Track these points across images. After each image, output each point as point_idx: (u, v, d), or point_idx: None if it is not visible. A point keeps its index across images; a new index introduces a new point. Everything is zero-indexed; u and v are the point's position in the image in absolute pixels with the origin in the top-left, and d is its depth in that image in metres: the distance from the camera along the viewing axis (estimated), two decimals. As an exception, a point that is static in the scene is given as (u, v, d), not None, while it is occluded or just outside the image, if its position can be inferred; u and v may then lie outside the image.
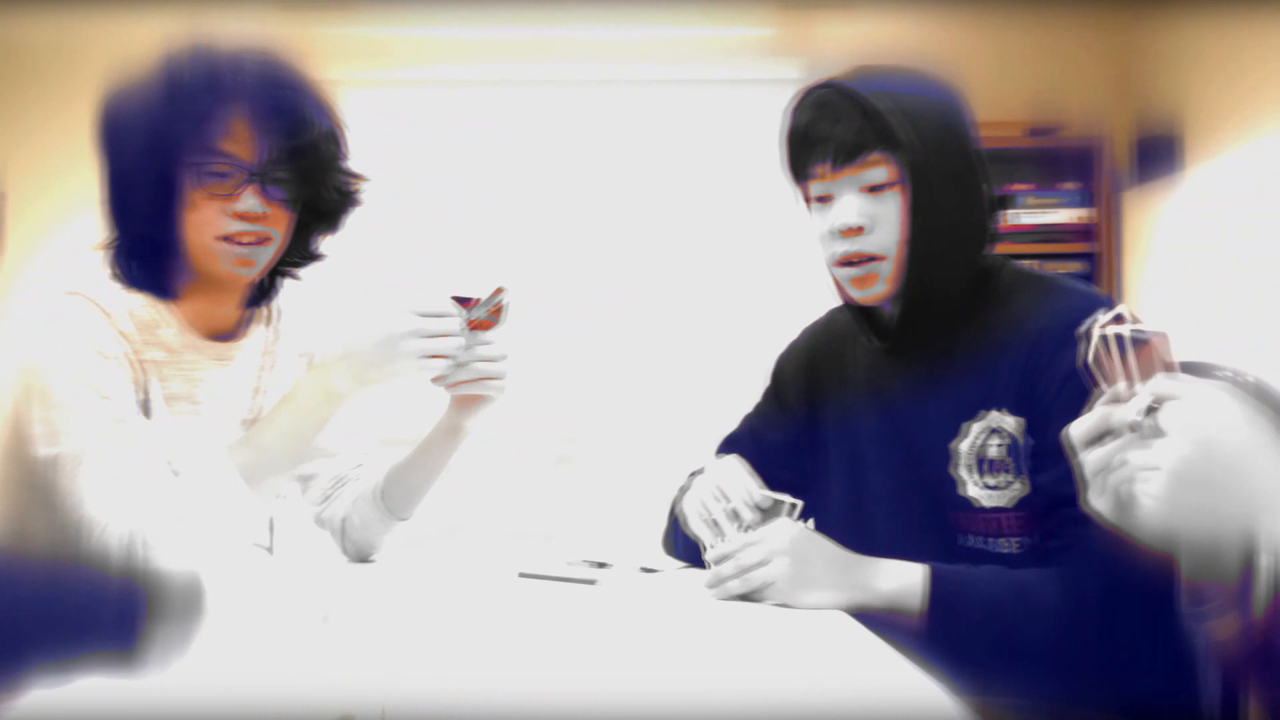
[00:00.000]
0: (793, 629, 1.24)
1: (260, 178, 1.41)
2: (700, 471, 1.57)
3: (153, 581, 1.31)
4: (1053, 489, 1.34)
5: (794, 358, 1.74)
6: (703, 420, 1.94)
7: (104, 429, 1.37)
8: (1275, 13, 3.06)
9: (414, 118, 4.05)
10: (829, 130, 1.43)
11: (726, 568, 1.40)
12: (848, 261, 1.46)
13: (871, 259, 1.45)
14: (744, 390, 1.81)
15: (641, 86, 4.09)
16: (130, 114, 1.40)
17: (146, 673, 1.01)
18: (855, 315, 1.56)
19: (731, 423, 1.77)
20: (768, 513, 1.45)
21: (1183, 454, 0.89)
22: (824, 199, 1.48)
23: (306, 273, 1.63)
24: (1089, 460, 0.98)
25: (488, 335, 1.57)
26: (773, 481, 1.48)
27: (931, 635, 1.30)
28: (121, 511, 1.34)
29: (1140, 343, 0.97)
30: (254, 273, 1.49)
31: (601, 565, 1.66)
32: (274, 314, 1.67)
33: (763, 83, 3.93)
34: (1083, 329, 1.01)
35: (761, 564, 1.37)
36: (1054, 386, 1.36)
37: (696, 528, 1.49)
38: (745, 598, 1.37)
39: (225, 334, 1.58)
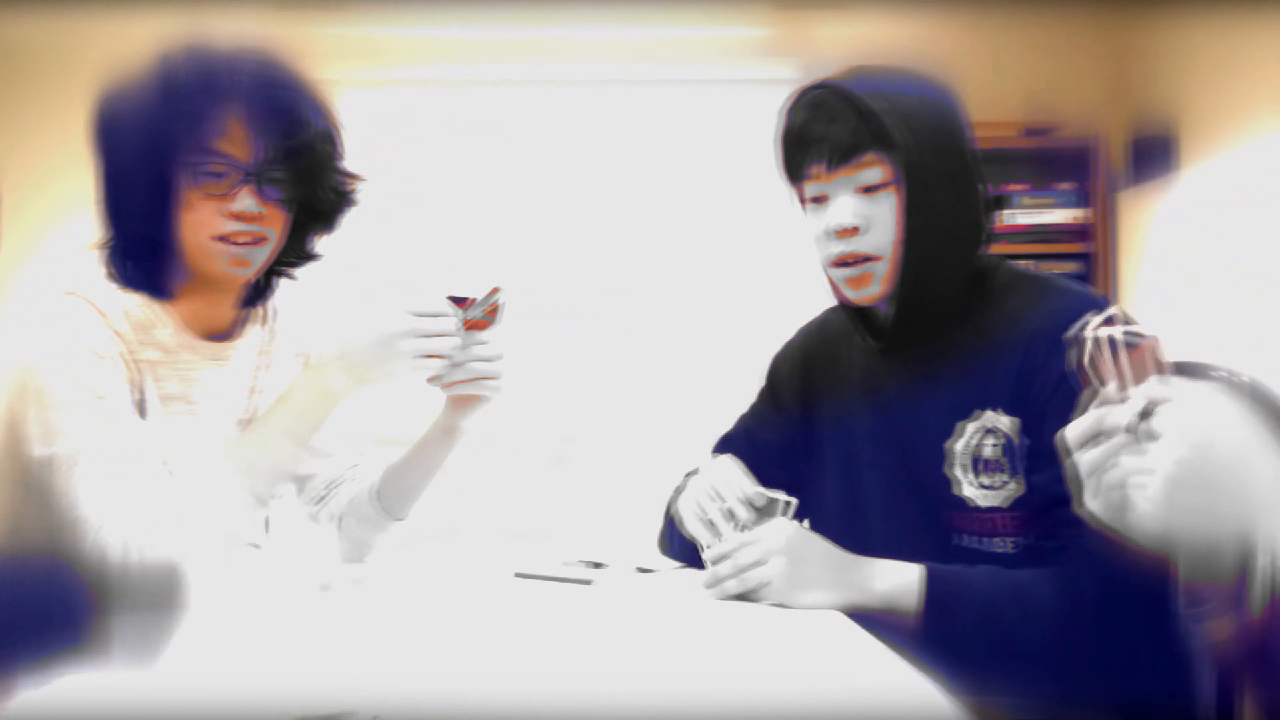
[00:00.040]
0: (789, 629, 1.24)
1: (256, 178, 1.41)
2: (695, 472, 1.57)
3: (120, 576, 1.31)
4: (1048, 489, 1.34)
5: (789, 358, 1.74)
6: (699, 420, 1.94)
7: (100, 429, 1.37)
8: (1270, 13, 3.06)
9: (410, 118, 4.05)
10: (824, 131, 1.44)
11: (724, 567, 1.40)
12: (843, 262, 1.46)
13: (867, 259, 1.45)
14: (740, 390, 1.81)
15: (637, 86, 4.09)
16: (126, 113, 1.40)
17: (115, 666, 1.01)
18: (850, 315, 1.57)
19: (727, 423, 1.77)
20: (763, 511, 1.46)
21: (1178, 458, 0.89)
22: (819, 199, 1.48)
23: (302, 273, 1.62)
24: (1082, 462, 0.98)
25: (483, 335, 1.56)
26: (768, 481, 1.48)
27: (927, 635, 1.30)
28: (117, 511, 1.33)
29: (1132, 345, 0.97)
30: (250, 273, 1.49)
31: (597, 565, 1.66)
32: (270, 314, 1.67)
33: (759, 83, 3.94)
34: (1072, 332, 1.02)
35: (758, 564, 1.37)
36: (1049, 386, 1.36)
37: (693, 528, 1.49)
38: (742, 597, 1.37)
39: (221, 334, 1.58)
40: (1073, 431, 0.99)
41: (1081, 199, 3.89)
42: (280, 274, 1.61)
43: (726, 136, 4.02)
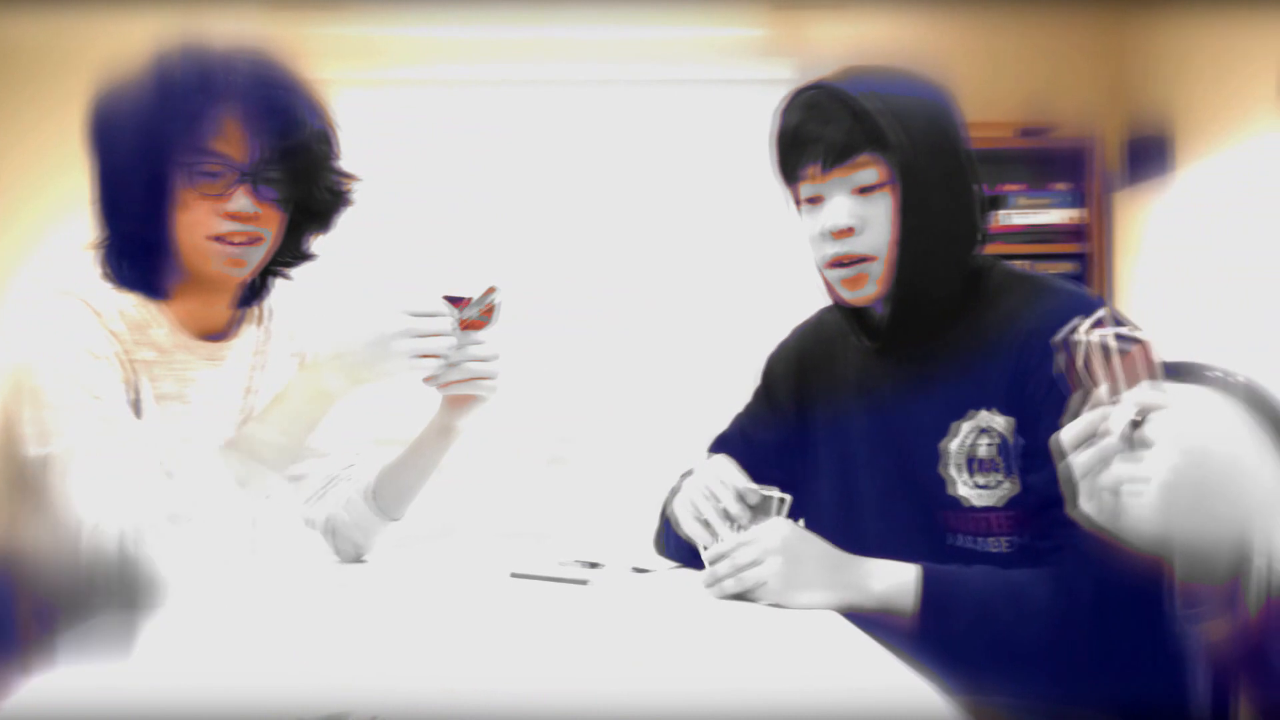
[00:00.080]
0: (785, 629, 1.24)
1: (252, 177, 1.41)
2: (690, 472, 1.57)
3: (109, 574, 1.32)
4: (1044, 489, 1.34)
5: (784, 357, 1.74)
6: (695, 420, 1.94)
7: (95, 429, 1.37)
8: (1265, 14, 3.07)
9: (406, 118, 4.05)
10: (819, 132, 1.43)
11: (721, 567, 1.40)
12: (838, 262, 1.46)
13: (862, 260, 1.45)
14: (735, 390, 1.81)
15: (633, 86, 4.09)
16: (121, 113, 1.40)
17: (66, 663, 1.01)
18: (845, 315, 1.57)
19: (722, 423, 1.78)
20: (757, 509, 1.46)
21: (1173, 466, 0.88)
22: (814, 200, 1.48)
23: (298, 272, 1.62)
24: (1075, 466, 0.98)
25: (479, 335, 1.56)
26: (763, 481, 1.48)
27: (923, 635, 1.30)
28: (112, 511, 1.33)
29: (1123, 349, 0.96)
30: (245, 272, 1.49)
31: (594, 565, 1.66)
32: (265, 314, 1.67)
33: (755, 83, 3.94)
34: (1061, 335, 1.02)
35: (754, 563, 1.37)
36: (1044, 386, 1.36)
37: (690, 528, 1.49)
38: (740, 597, 1.38)
39: (216, 334, 1.58)
40: (1067, 435, 0.99)
41: (1077, 199, 3.90)
42: (276, 274, 1.61)
43: (722, 136, 4.02)
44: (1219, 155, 3.38)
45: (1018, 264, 1.55)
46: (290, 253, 1.57)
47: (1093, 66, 4.02)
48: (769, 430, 1.69)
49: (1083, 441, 0.97)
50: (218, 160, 1.39)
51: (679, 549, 1.61)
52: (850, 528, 1.50)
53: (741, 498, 1.46)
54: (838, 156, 1.42)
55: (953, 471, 1.43)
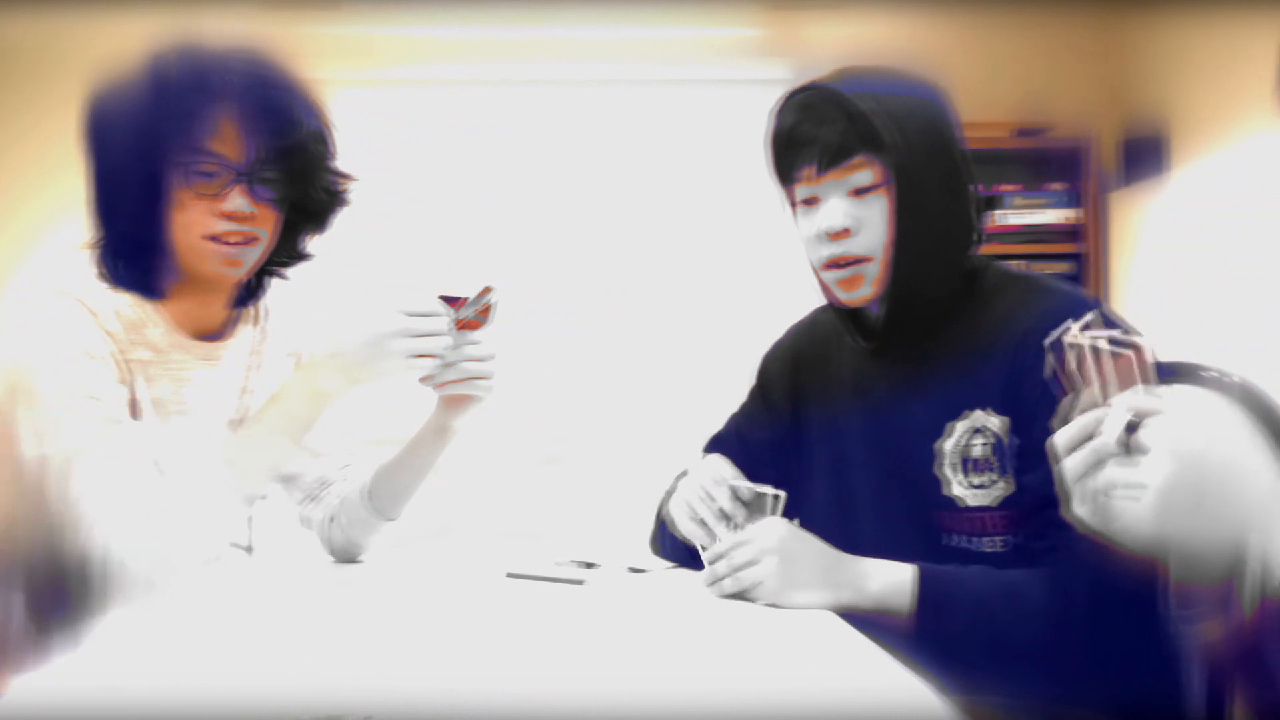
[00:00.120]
0: (781, 629, 1.24)
1: (248, 177, 1.41)
2: (685, 473, 1.57)
3: (104, 574, 1.32)
4: (1039, 489, 1.34)
5: (779, 357, 1.74)
6: (691, 420, 1.94)
7: (90, 429, 1.37)
8: (1260, 15, 3.07)
9: (402, 118, 4.05)
10: (814, 133, 1.43)
11: (720, 566, 1.40)
12: (834, 264, 1.46)
13: (858, 261, 1.45)
14: (731, 390, 1.81)
15: (629, 86, 4.09)
16: (117, 113, 1.40)
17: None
18: (840, 315, 1.57)
19: (718, 423, 1.77)
20: (753, 507, 1.46)
21: (1170, 473, 0.88)
22: (810, 202, 1.48)
23: (294, 272, 1.62)
24: (1068, 468, 0.98)
25: (476, 335, 1.56)
26: (758, 481, 1.48)
27: (920, 635, 1.30)
28: (108, 511, 1.33)
29: (1115, 352, 0.96)
30: (241, 272, 1.48)
31: (590, 565, 1.66)
32: (261, 314, 1.67)
33: (751, 83, 3.94)
34: (1052, 337, 1.01)
35: (751, 563, 1.37)
36: (1039, 387, 1.36)
37: (687, 530, 1.49)
38: (738, 596, 1.38)
39: (212, 334, 1.57)
40: (1060, 438, 0.99)
41: (1073, 199, 3.91)
42: (272, 274, 1.61)
43: (719, 137, 4.02)
44: (1215, 155, 3.38)
45: (1013, 264, 1.55)
46: (286, 253, 1.57)
47: (1089, 67, 4.03)
48: (764, 430, 1.69)
49: (1076, 445, 0.97)
50: (213, 160, 1.39)
51: (675, 550, 1.61)
52: (845, 527, 1.50)
53: (736, 496, 1.46)
54: (833, 158, 1.42)
55: (947, 471, 1.44)
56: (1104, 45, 4.03)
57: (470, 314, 1.55)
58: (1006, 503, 1.40)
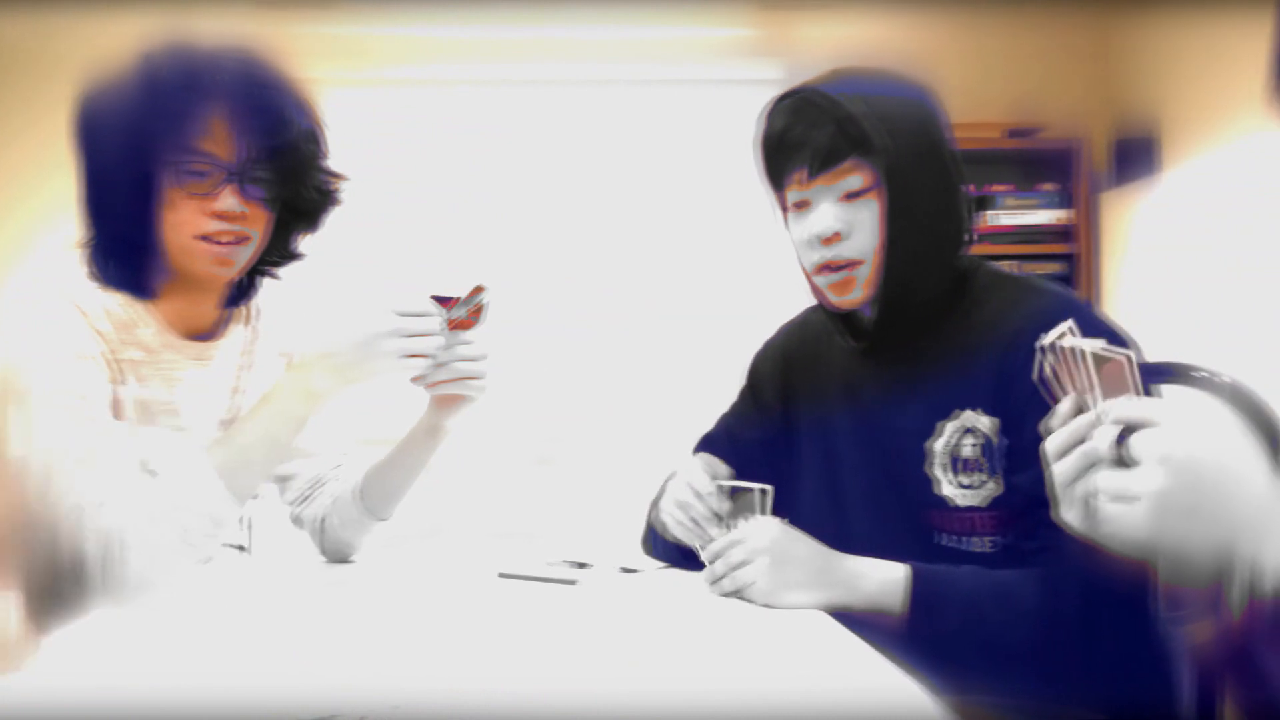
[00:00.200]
0: (773, 629, 1.24)
1: (239, 177, 1.41)
2: (673, 476, 1.56)
3: (97, 573, 1.32)
4: (1028, 489, 1.34)
5: (770, 356, 1.74)
6: (683, 420, 1.94)
7: (81, 429, 1.36)
8: (1251, 15, 3.08)
9: (396, 117, 4.04)
10: (804, 138, 1.43)
11: (718, 566, 1.40)
12: (826, 268, 1.46)
13: (850, 264, 1.45)
14: (723, 389, 1.81)
15: (621, 86, 4.09)
16: (108, 112, 1.39)
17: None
18: (831, 315, 1.56)
19: (709, 422, 1.77)
20: (741, 504, 1.46)
21: (1162, 481, 0.87)
22: (801, 206, 1.48)
23: (286, 272, 1.62)
24: (1058, 473, 0.98)
25: (468, 335, 1.56)
26: (749, 480, 1.48)
27: (912, 635, 1.31)
28: (97, 511, 1.33)
29: (1103, 357, 0.96)
30: (233, 272, 1.48)
31: (582, 565, 1.66)
32: (253, 313, 1.67)
33: (743, 83, 3.94)
34: (1043, 342, 1.01)
35: (744, 564, 1.37)
36: (1028, 387, 1.35)
37: (679, 533, 1.49)
38: (735, 595, 1.38)
39: (204, 334, 1.57)
40: (1050, 444, 0.99)
41: (1065, 200, 3.91)
42: (263, 273, 1.61)
43: (711, 136, 4.02)
44: (1206, 156, 3.39)
45: (1005, 264, 1.55)
46: (278, 252, 1.57)
47: (1080, 68, 4.03)
48: (755, 429, 1.69)
49: (1066, 450, 0.97)
50: (205, 160, 1.39)
51: (667, 550, 1.61)
52: (836, 526, 1.50)
53: (723, 494, 1.46)
54: (823, 163, 1.42)
55: (938, 471, 1.44)
56: (1095, 46, 4.04)
57: (462, 314, 1.55)
58: (996, 503, 1.40)
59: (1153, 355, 1.14)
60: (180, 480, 1.39)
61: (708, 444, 1.71)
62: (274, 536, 1.80)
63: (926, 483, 1.45)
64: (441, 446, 1.67)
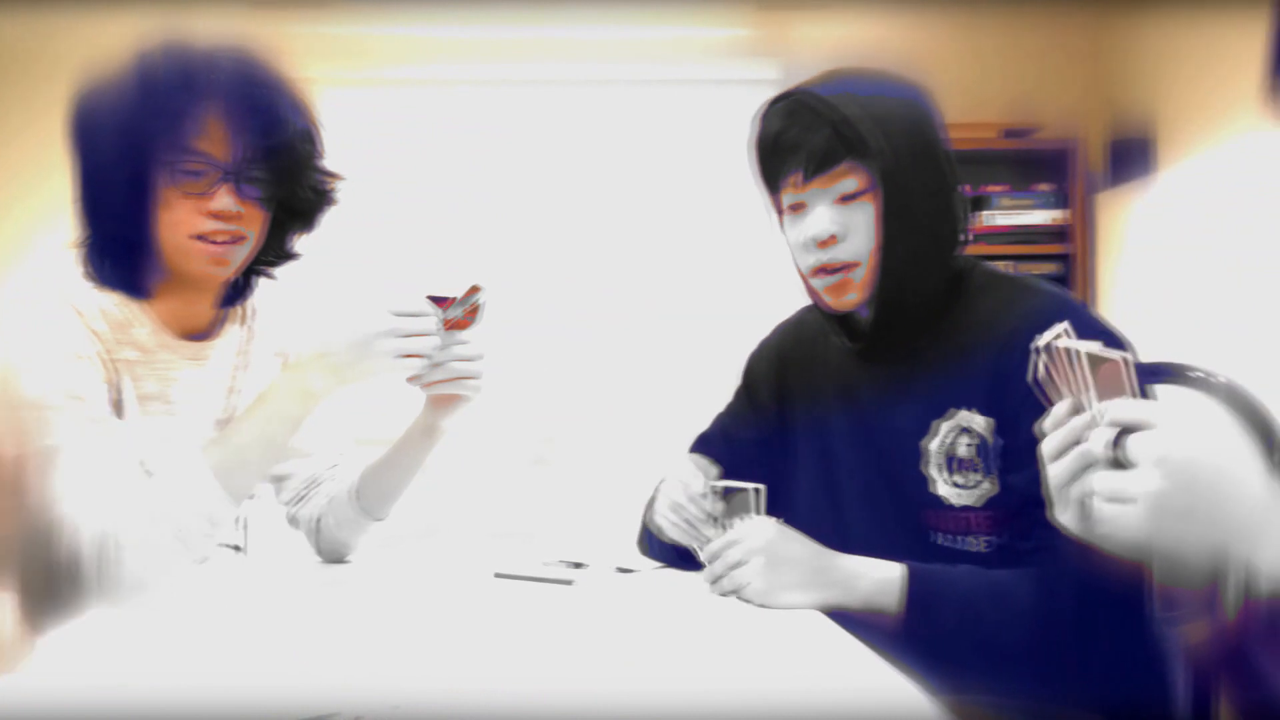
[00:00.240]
0: (769, 629, 1.24)
1: (235, 176, 1.41)
2: (666, 479, 1.56)
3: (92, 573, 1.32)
4: (1023, 489, 1.34)
5: (765, 356, 1.74)
6: (679, 420, 1.95)
7: (76, 429, 1.36)
8: (1246, 15, 3.08)
9: (394, 117, 4.04)
10: (798, 140, 1.43)
11: (716, 566, 1.40)
12: (822, 270, 1.46)
13: (846, 266, 1.45)
14: (720, 389, 1.81)
15: (618, 86, 4.08)
16: (103, 111, 1.39)
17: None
18: (827, 316, 1.56)
19: (705, 422, 1.77)
20: (735, 503, 1.46)
21: (1158, 486, 0.87)
22: (796, 208, 1.48)
23: (282, 272, 1.62)
24: (1054, 474, 0.98)
25: (464, 335, 1.56)
26: (745, 480, 1.48)
27: (908, 635, 1.31)
28: (93, 512, 1.33)
29: (1098, 359, 0.96)
30: (228, 272, 1.48)
31: (578, 565, 1.66)
32: (249, 313, 1.66)
33: (741, 83, 3.94)
34: (1038, 343, 1.02)
35: (740, 564, 1.37)
36: (1024, 387, 1.36)
37: (674, 534, 1.49)
38: (730, 595, 1.38)
39: (199, 333, 1.57)
40: (1047, 446, 0.99)
41: (1060, 200, 3.92)
42: (259, 273, 1.60)
43: (708, 136, 4.02)
44: (1201, 156, 3.39)
45: (1000, 265, 1.55)
46: (274, 252, 1.57)
47: (1076, 68, 4.04)
48: (750, 429, 1.70)
49: (1062, 451, 0.97)
50: (200, 159, 1.39)
51: (663, 551, 1.61)
52: (832, 525, 1.50)
53: (716, 494, 1.46)
54: (818, 166, 1.42)
55: (933, 471, 1.44)
56: (1091, 46, 4.04)
57: (458, 314, 1.55)
58: (991, 503, 1.40)
59: (1148, 355, 1.14)
60: (176, 480, 1.39)
61: (703, 444, 1.71)
62: (270, 536, 1.80)
63: (922, 482, 1.45)
64: (438, 446, 1.67)
